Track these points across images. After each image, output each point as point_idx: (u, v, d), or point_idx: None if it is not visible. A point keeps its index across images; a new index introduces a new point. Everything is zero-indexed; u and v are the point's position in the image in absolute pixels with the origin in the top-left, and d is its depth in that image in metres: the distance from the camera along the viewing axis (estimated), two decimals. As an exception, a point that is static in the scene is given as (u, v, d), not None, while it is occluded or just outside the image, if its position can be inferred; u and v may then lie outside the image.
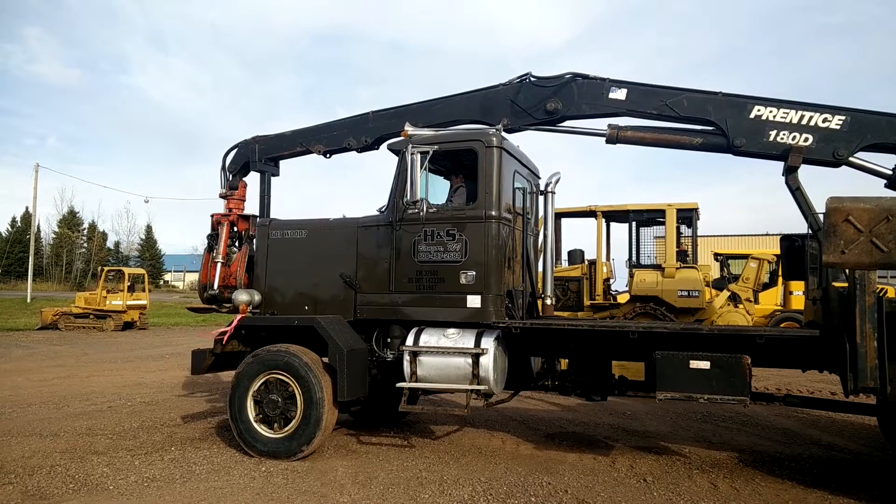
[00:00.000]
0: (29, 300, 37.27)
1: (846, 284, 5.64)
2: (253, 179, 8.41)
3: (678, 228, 13.54)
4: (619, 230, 14.77)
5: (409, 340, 6.58)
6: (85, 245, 70.68)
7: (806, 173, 6.19)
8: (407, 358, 6.52)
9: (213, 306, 8.06)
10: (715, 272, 19.12)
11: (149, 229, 76.03)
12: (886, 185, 6.10)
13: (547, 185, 7.58)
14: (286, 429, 6.53)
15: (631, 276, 13.51)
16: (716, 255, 21.39)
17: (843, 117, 6.07)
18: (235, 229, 8.15)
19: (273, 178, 8.48)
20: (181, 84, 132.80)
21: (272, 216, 8.16)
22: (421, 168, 6.51)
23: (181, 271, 77.53)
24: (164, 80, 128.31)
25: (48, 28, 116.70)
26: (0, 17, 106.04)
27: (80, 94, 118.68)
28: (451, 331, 6.52)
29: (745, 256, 19.17)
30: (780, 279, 18.47)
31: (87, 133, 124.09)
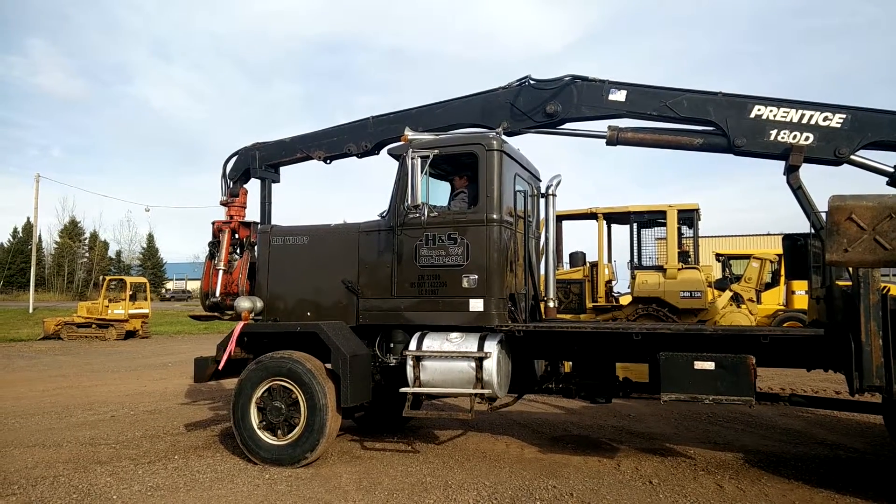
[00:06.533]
0: (31, 310, 37.32)
1: (850, 283, 5.62)
2: (254, 186, 8.42)
3: (679, 229, 13.56)
4: (621, 232, 14.81)
5: (412, 345, 6.56)
6: (86, 255, 70.77)
7: (807, 172, 6.19)
8: (410, 363, 6.49)
9: (216, 314, 8.05)
10: (717, 273, 19.11)
11: (150, 238, 76.25)
12: (888, 183, 6.09)
13: (548, 188, 7.57)
14: (290, 436, 6.50)
15: (633, 277, 13.52)
16: (717, 255, 21.39)
17: (844, 115, 6.06)
18: (237, 236, 8.14)
19: (274, 185, 8.49)
20: (183, 93, 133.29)
21: (273, 223, 8.16)
22: (421, 172, 6.50)
23: (183, 279, 77.67)
24: (167, 90, 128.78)
25: (51, 40, 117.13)
26: (3, 29, 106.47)
27: (83, 104, 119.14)
28: (453, 335, 6.50)
29: (746, 257, 19.18)
30: (783, 279, 18.46)
31: (89, 143, 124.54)
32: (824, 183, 5.05)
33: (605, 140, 6.94)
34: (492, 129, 6.95)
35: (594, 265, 14.42)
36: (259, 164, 8.17)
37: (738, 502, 5.43)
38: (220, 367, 6.99)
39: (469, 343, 6.38)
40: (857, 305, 5.25)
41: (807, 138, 6.12)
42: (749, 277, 17.34)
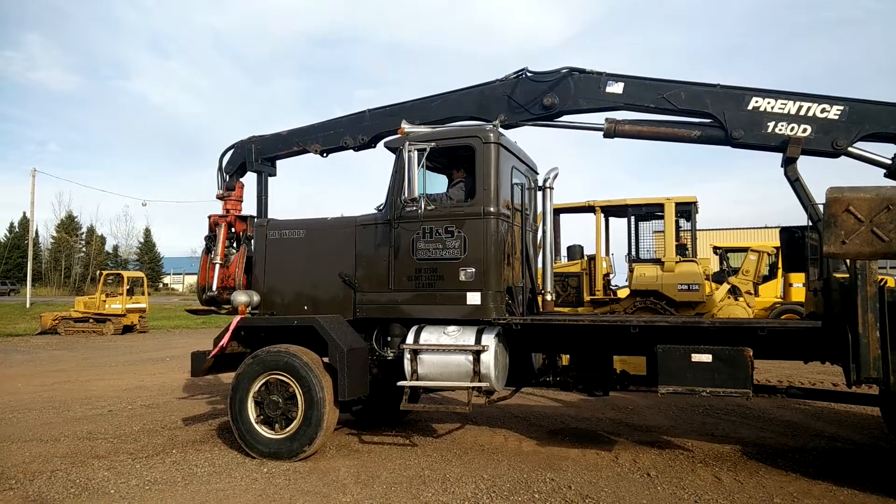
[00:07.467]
0: (28, 305, 37.23)
1: (847, 275, 5.62)
2: (250, 180, 8.39)
3: (677, 222, 13.54)
4: (618, 225, 14.79)
5: (410, 339, 6.56)
6: (83, 249, 70.57)
7: (805, 164, 6.18)
8: (407, 356, 6.49)
9: (213, 308, 8.04)
10: (714, 266, 19.12)
11: (147, 232, 76.08)
12: (886, 175, 6.08)
13: (545, 181, 7.54)
14: (287, 429, 6.50)
15: (630, 270, 13.51)
16: (715, 248, 21.39)
17: (842, 107, 6.05)
18: (233, 230, 8.12)
19: (270, 178, 8.46)
20: (181, 88, 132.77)
21: (270, 216, 8.13)
22: (418, 165, 6.47)
23: (180, 274, 77.59)
24: (165, 85, 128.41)
25: (49, 35, 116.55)
26: (1, 24, 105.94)
27: (81, 99, 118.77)
28: (451, 328, 6.49)
29: (744, 249, 19.18)
30: (780, 271, 18.48)
31: (87, 138, 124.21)
32: (822, 175, 5.05)
33: (602, 133, 6.92)
34: (489, 122, 6.93)
35: (592, 258, 14.41)
36: (255, 157, 8.14)
37: (736, 494, 5.44)
38: (209, 357, 6.97)
39: (466, 336, 6.37)
40: (854, 297, 5.25)
41: (804, 130, 6.11)
42: (746, 270, 17.36)
